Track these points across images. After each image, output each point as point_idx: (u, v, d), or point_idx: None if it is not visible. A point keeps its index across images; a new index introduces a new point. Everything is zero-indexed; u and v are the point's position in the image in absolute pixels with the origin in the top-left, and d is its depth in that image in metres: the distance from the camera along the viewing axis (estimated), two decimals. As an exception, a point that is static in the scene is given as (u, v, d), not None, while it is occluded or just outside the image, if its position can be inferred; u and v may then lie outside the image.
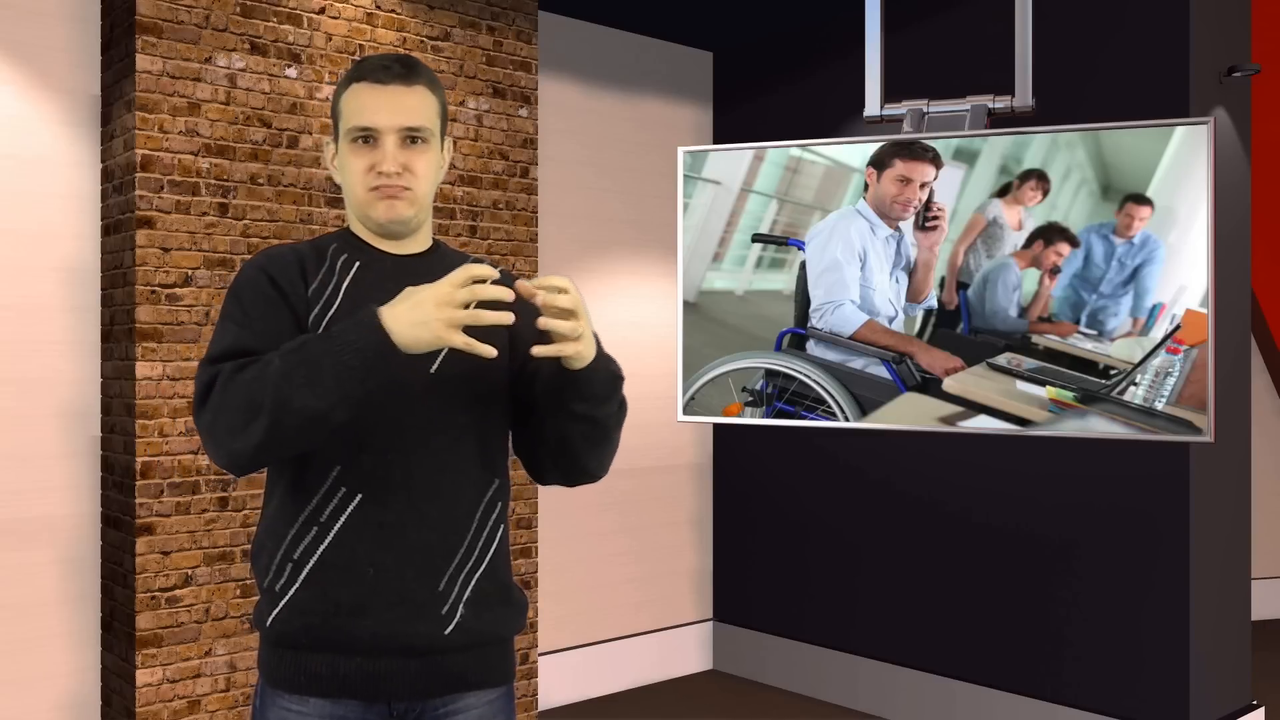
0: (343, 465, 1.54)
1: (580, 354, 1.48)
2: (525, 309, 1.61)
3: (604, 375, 1.54)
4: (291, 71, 3.48)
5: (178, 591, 3.25)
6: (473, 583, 1.58)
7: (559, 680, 4.54)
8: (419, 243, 1.66)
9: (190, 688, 3.26)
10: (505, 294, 1.42)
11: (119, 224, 3.30)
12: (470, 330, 1.43)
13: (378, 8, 3.65)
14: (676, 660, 5.03)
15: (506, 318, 1.41)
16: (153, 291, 3.22)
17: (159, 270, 3.24)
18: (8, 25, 3.30)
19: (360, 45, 3.61)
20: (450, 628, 1.55)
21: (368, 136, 1.57)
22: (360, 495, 1.53)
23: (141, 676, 3.18)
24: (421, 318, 1.39)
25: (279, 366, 1.41)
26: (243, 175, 3.38)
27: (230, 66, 3.36)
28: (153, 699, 3.20)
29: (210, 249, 3.32)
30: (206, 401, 1.46)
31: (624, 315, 4.82)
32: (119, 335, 3.30)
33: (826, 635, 4.70)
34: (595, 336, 1.54)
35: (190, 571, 3.27)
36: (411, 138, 1.57)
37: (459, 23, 3.84)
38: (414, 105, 1.57)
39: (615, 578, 4.80)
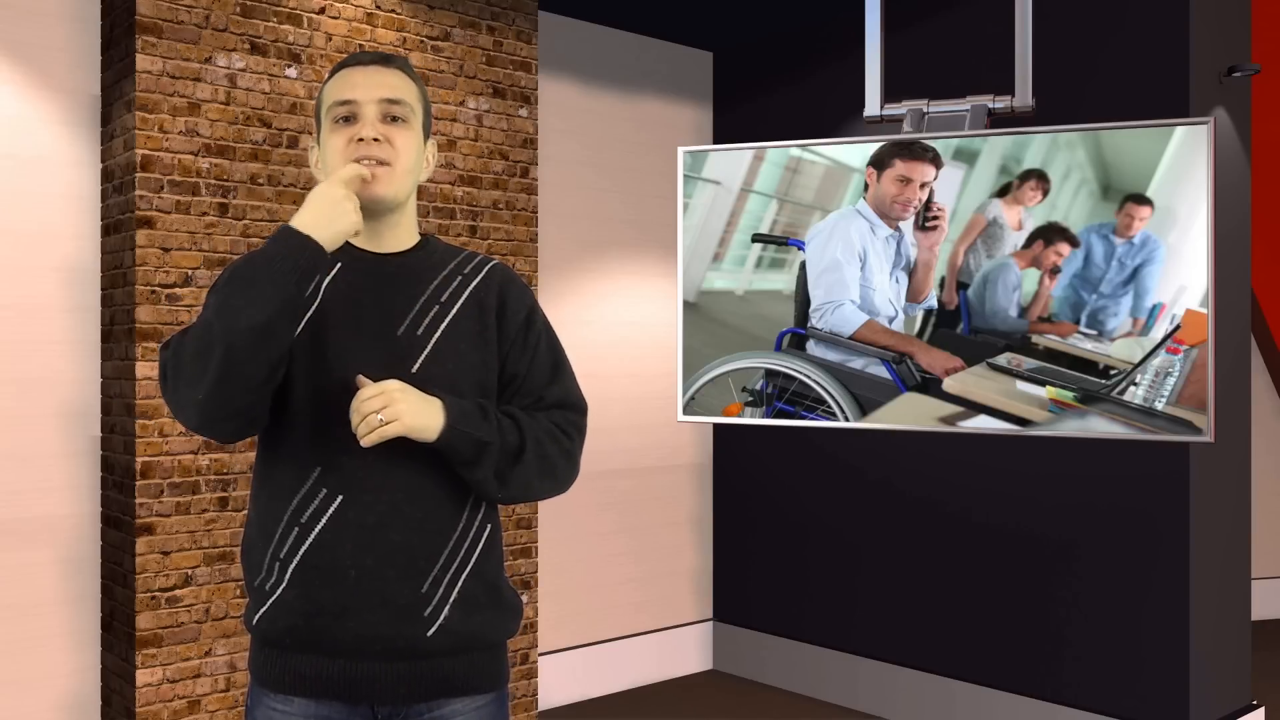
0: (323, 466, 1.54)
1: (375, 433, 1.47)
2: (511, 304, 1.65)
3: (461, 444, 1.52)
4: (291, 71, 3.48)
5: (178, 591, 3.25)
6: (459, 584, 1.57)
7: (559, 680, 4.54)
8: (403, 240, 1.66)
9: (190, 688, 3.26)
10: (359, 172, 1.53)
11: (119, 224, 3.30)
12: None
13: (378, 8, 3.65)
14: (676, 660, 5.03)
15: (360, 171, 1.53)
16: (153, 291, 3.22)
17: (159, 270, 3.24)
18: (8, 25, 3.30)
19: (360, 45, 3.61)
20: (433, 630, 1.54)
21: (349, 114, 1.58)
22: (341, 497, 1.54)
23: (141, 676, 3.18)
24: (327, 207, 1.47)
25: (215, 302, 1.45)
26: (243, 175, 3.38)
27: (230, 66, 3.36)
28: (153, 699, 3.20)
29: (210, 249, 3.32)
30: (167, 375, 1.49)
31: (624, 315, 4.82)
32: (119, 335, 3.30)
33: (826, 635, 4.70)
34: (461, 412, 1.52)
35: (190, 571, 3.27)
36: (392, 115, 1.58)
37: (459, 23, 3.84)
38: (393, 82, 1.60)
39: (615, 578, 4.80)
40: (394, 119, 1.59)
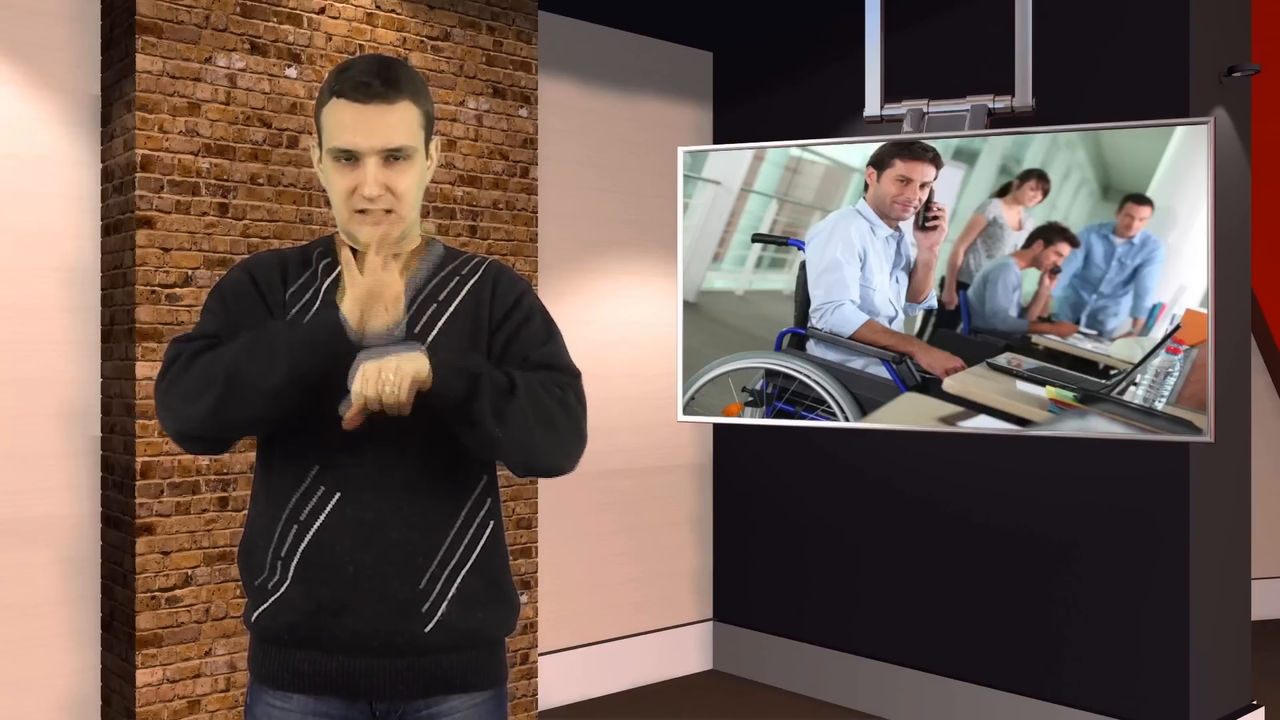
0: (321, 464, 1.55)
1: (401, 394, 1.43)
2: (501, 290, 1.66)
3: (453, 379, 1.48)
4: (291, 71, 3.48)
5: (178, 591, 3.25)
6: (458, 580, 1.57)
7: (559, 680, 4.54)
8: (405, 245, 1.66)
9: (190, 688, 3.26)
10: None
11: (119, 224, 3.30)
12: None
13: (378, 8, 3.65)
14: (676, 660, 5.03)
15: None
16: (153, 291, 3.22)
17: (159, 270, 3.24)
18: (8, 25, 3.30)
19: (360, 45, 3.61)
20: (431, 625, 1.54)
21: (348, 157, 1.56)
22: (339, 494, 1.54)
23: (141, 676, 3.18)
24: (373, 305, 1.46)
25: (240, 343, 1.47)
26: (243, 175, 3.38)
27: (230, 66, 3.36)
28: (153, 699, 3.20)
29: (210, 249, 3.32)
30: (168, 373, 1.52)
31: (624, 315, 4.82)
32: (119, 335, 3.30)
33: (826, 635, 4.70)
34: (442, 356, 1.50)
35: (190, 571, 3.27)
36: (394, 155, 1.56)
37: (459, 23, 3.84)
38: (394, 124, 1.54)
39: (615, 578, 4.80)
40: (396, 158, 1.56)
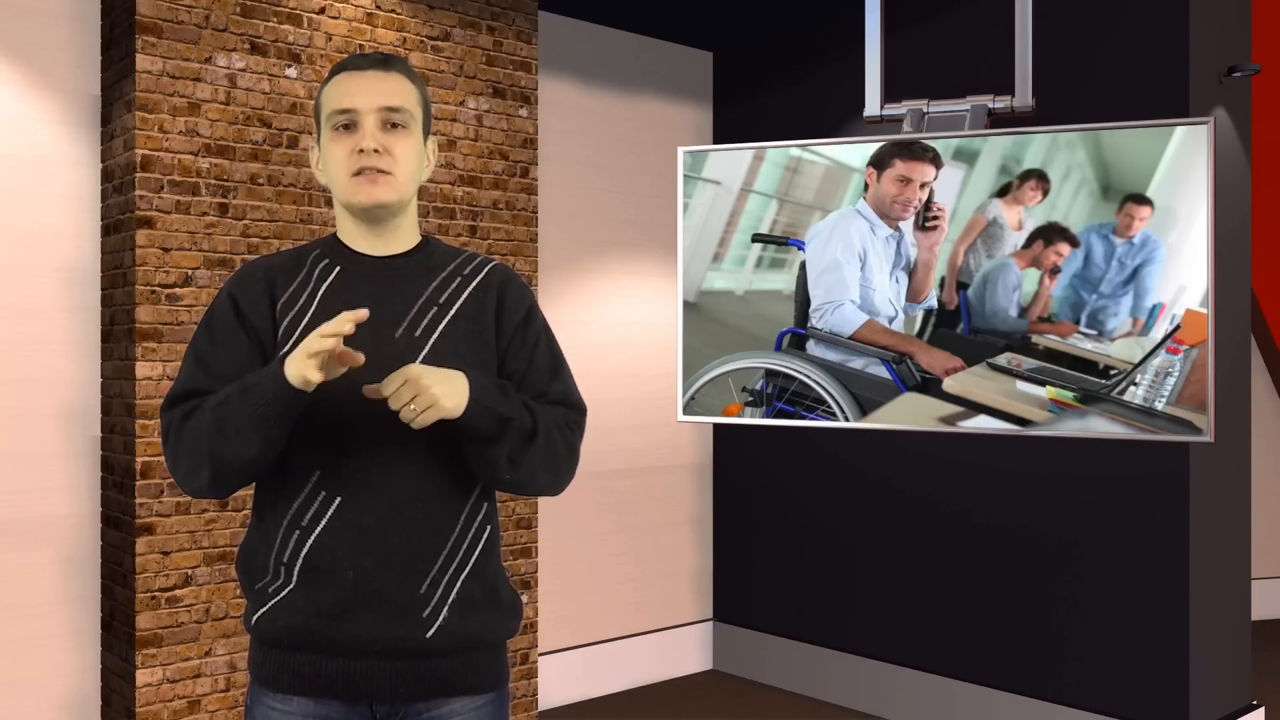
0: (323, 470, 1.55)
1: (418, 420, 1.46)
2: (509, 302, 1.66)
3: (484, 420, 1.52)
4: (291, 71, 3.48)
5: (178, 591, 3.25)
6: (458, 585, 1.57)
7: (559, 680, 4.54)
8: (403, 241, 1.66)
9: (190, 688, 3.26)
10: (335, 340, 1.41)
11: (119, 224, 3.30)
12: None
13: (378, 8, 3.65)
14: (676, 660, 5.03)
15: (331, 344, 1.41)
16: (153, 291, 3.22)
17: (159, 270, 3.24)
18: (8, 25, 3.30)
19: (360, 45, 3.61)
20: (432, 631, 1.55)
21: (348, 122, 1.58)
22: (340, 499, 1.54)
23: (141, 676, 3.18)
24: (295, 360, 1.44)
25: (210, 420, 1.49)
26: (243, 175, 3.38)
27: (230, 66, 3.36)
28: (153, 699, 3.20)
29: (210, 249, 3.32)
30: (165, 447, 1.57)
31: (624, 315, 4.82)
32: (119, 335, 3.30)
33: (826, 635, 4.70)
34: (483, 387, 1.52)
35: (190, 571, 3.27)
36: (391, 122, 1.58)
37: (459, 23, 3.84)
38: (392, 87, 1.60)
39: (615, 578, 4.80)
40: (394, 125, 1.59)
